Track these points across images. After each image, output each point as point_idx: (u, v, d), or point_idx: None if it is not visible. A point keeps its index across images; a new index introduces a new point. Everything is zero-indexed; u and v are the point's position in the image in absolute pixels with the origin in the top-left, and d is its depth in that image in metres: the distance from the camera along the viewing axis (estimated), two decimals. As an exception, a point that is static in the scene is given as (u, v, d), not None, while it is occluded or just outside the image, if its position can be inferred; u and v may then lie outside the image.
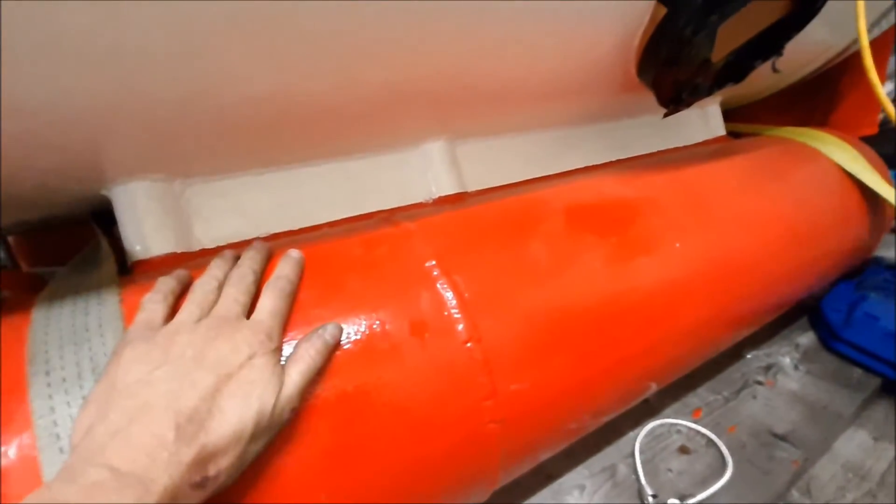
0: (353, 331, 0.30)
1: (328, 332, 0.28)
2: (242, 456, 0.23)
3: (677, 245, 0.46)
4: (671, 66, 0.47)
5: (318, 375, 0.27)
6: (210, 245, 0.37)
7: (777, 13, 0.48)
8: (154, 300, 0.26)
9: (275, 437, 0.25)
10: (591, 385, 0.40)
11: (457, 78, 0.40)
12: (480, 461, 0.34)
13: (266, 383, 0.24)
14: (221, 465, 0.22)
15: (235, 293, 0.27)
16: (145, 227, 0.33)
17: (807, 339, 0.72)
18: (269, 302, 0.27)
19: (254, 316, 0.26)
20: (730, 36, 0.48)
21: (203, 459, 0.21)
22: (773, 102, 0.82)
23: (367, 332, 0.30)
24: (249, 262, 0.29)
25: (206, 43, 0.26)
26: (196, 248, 0.36)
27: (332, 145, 0.41)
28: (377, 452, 0.29)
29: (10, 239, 0.53)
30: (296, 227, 0.40)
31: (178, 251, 0.34)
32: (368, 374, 0.29)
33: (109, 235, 0.37)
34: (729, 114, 0.78)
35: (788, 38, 0.47)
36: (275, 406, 0.24)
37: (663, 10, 0.42)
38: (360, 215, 0.43)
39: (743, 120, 0.82)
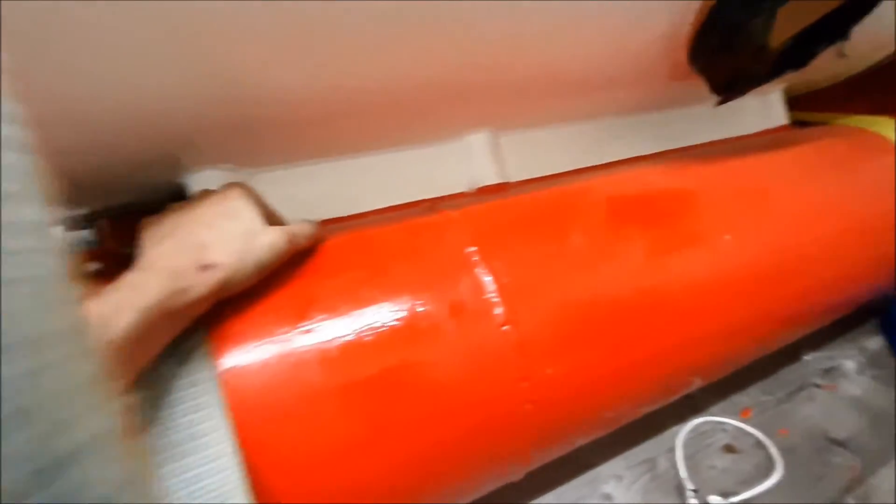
0: (396, 310, 0.32)
1: (314, 224, 0.34)
2: (241, 258, 0.28)
3: (727, 238, 0.45)
4: (724, 53, 0.45)
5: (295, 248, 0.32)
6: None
7: (843, -6, 0.45)
8: None
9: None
10: (627, 375, 0.40)
11: (501, 71, 0.41)
12: (514, 439, 0.35)
13: (251, 214, 0.30)
14: (217, 258, 0.27)
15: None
16: (215, 212, 0.37)
17: (875, 343, 0.67)
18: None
19: None
20: (791, 19, 0.46)
21: (199, 252, 0.28)
22: (844, 89, 0.76)
23: (410, 312, 0.32)
24: None
25: (277, 50, 0.29)
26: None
27: (381, 138, 0.44)
28: (417, 425, 0.31)
29: (100, 222, 0.59)
30: (346, 213, 0.43)
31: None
32: (410, 351, 0.31)
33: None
34: (795, 101, 0.73)
35: (855, 21, 0.44)
36: (260, 232, 0.29)
37: (715, -2, 0.41)
38: (406, 203, 0.45)
39: (810, 108, 0.77)
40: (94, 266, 0.41)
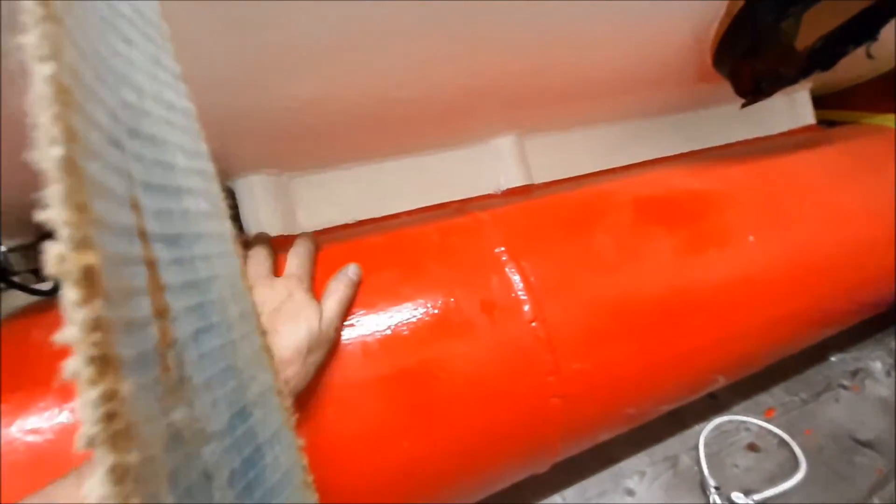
0: (431, 306, 0.34)
1: (351, 271, 0.33)
2: (305, 366, 0.28)
3: (750, 239, 0.45)
4: (751, 56, 0.46)
5: (350, 305, 0.32)
6: (309, 229, 0.42)
7: (872, -5, 0.45)
8: None
9: (330, 354, 0.30)
10: (652, 372, 0.41)
11: (528, 78, 0.42)
12: (543, 431, 0.37)
13: (308, 311, 0.29)
14: (289, 373, 0.27)
15: (261, 259, 0.33)
16: (261, 213, 0.39)
17: (904, 344, 0.67)
18: (294, 261, 0.33)
19: (284, 272, 0.32)
20: (819, 20, 0.46)
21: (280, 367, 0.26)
22: (871, 88, 0.75)
23: (443, 309, 0.34)
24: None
25: (316, 62, 0.31)
26: (299, 231, 0.42)
27: (413, 142, 0.46)
28: (449, 414, 0.33)
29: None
30: (380, 214, 0.45)
31: (285, 234, 0.40)
32: (444, 345, 0.33)
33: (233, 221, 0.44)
34: (822, 100, 0.73)
35: (883, 22, 0.44)
36: (319, 326, 0.29)
37: (741, 2, 0.42)
38: (437, 205, 0.47)
39: (837, 107, 0.76)
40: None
